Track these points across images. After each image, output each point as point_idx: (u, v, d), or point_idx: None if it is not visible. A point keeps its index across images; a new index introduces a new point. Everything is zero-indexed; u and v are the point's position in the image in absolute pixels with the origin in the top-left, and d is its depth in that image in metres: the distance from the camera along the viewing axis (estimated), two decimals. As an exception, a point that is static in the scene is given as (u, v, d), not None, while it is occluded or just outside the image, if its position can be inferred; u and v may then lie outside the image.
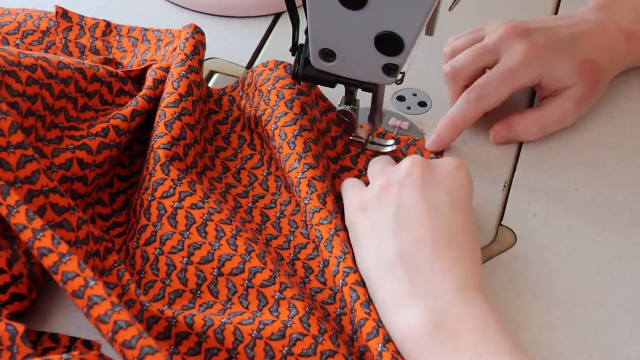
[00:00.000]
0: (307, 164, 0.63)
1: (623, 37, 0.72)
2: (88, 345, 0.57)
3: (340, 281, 0.58)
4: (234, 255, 0.60)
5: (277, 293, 0.59)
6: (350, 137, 0.69)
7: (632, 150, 0.71)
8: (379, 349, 0.54)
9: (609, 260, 0.64)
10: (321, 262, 0.62)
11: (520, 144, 0.71)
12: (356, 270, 0.58)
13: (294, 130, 0.65)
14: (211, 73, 0.77)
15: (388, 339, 0.55)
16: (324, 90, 0.66)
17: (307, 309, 0.58)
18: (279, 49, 0.78)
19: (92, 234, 0.60)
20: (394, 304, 0.55)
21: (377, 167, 0.63)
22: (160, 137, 0.64)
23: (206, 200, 0.62)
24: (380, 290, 0.56)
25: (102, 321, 0.52)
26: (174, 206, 0.61)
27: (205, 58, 0.77)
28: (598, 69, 0.70)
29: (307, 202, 0.62)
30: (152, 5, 0.82)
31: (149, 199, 0.61)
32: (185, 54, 0.68)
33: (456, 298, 0.54)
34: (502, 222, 0.66)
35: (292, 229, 0.64)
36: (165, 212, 0.61)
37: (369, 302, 0.56)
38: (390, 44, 0.59)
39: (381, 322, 0.55)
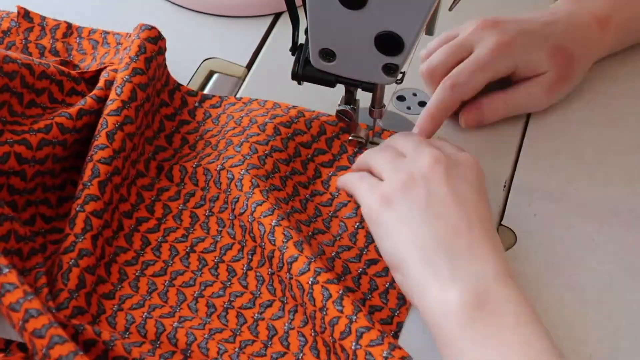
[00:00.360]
0: (273, 184, 0.64)
1: (596, 24, 0.72)
2: (23, 348, 0.56)
3: (311, 279, 0.57)
4: (157, 261, 0.62)
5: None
6: (350, 137, 0.69)
7: (632, 150, 0.71)
8: (352, 347, 0.54)
9: (609, 260, 0.64)
10: (245, 265, 0.62)
11: (521, 144, 0.71)
12: (328, 270, 0.58)
13: (265, 150, 0.65)
14: (211, 73, 0.77)
15: (361, 335, 0.54)
16: (324, 90, 0.66)
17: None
18: (279, 49, 0.78)
19: (15, 231, 0.59)
20: (430, 285, 0.56)
21: (385, 158, 0.63)
22: (101, 148, 0.63)
23: (137, 209, 0.65)
24: (414, 274, 0.57)
25: (13, 309, 0.51)
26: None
27: (205, 58, 0.77)
28: (570, 56, 0.70)
29: (276, 207, 0.62)
30: (152, 5, 0.82)
31: (78, 209, 0.61)
32: (130, 57, 0.67)
33: (498, 281, 0.55)
34: (502, 222, 0.66)
35: (219, 228, 0.64)
36: (91, 229, 0.61)
37: (342, 298, 0.56)
38: (390, 43, 0.59)
39: (355, 317, 0.55)
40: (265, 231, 0.60)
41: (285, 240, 0.59)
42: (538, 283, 0.62)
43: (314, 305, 0.57)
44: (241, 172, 0.64)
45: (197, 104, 0.71)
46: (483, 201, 0.60)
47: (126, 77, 0.66)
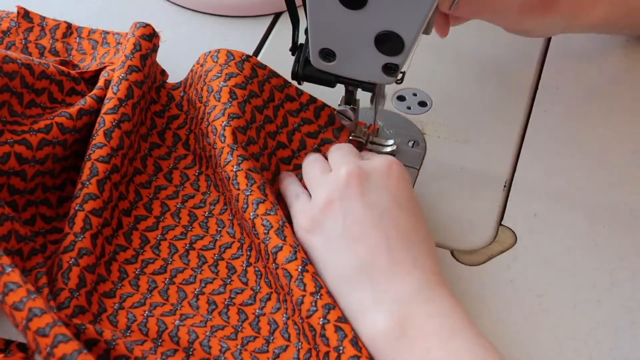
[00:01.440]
0: (240, 155, 0.63)
1: None
2: (23, 348, 0.56)
3: (300, 267, 0.57)
4: (157, 259, 0.62)
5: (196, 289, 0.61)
6: (350, 137, 0.69)
7: (632, 150, 0.71)
8: (320, 322, 0.55)
9: (609, 260, 0.64)
10: (244, 262, 0.62)
11: (521, 144, 0.71)
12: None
13: (222, 122, 0.64)
14: (211, 73, 0.76)
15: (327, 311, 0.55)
16: (324, 90, 0.66)
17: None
18: (279, 48, 0.78)
19: (16, 232, 0.59)
20: (360, 313, 0.56)
21: (313, 175, 0.63)
22: (99, 147, 0.63)
23: (135, 207, 0.65)
24: (344, 302, 0.57)
25: (16, 308, 0.51)
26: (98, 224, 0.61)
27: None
28: None
29: (248, 194, 0.61)
30: (152, 5, 0.82)
31: (77, 208, 0.61)
32: (125, 55, 0.67)
33: (419, 299, 0.55)
34: (502, 222, 0.66)
35: (219, 229, 0.64)
36: (91, 228, 0.61)
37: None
38: (390, 43, 0.59)
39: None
40: (249, 226, 0.61)
41: (266, 232, 0.59)
42: (538, 283, 0.62)
43: (304, 290, 0.57)
44: (221, 172, 0.64)
45: (182, 94, 0.71)
46: (404, 206, 0.59)
47: (122, 75, 0.66)
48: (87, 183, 0.61)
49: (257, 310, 0.60)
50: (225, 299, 0.60)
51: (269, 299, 0.60)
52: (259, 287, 0.61)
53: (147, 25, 0.69)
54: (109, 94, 0.65)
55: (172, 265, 0.62)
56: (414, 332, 0.54)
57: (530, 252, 0.64)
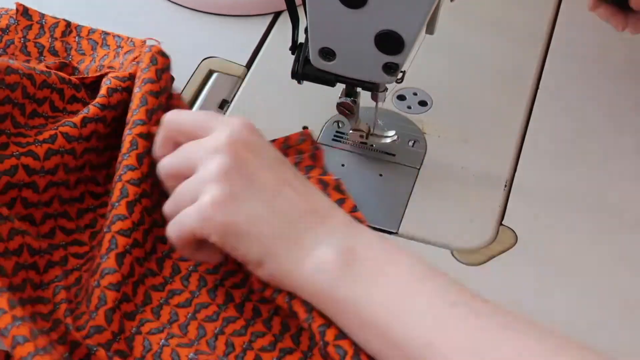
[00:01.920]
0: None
1: None
2: None
3: (286, 299, 0.56)
4: (184, 291, 0.61)
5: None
6: (351, 131, 0.69)
7: (632, 150, 0.71)
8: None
9: (609, 260, 0.64)
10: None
11: (521, 144, 0.71)
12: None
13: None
14: (210, 72, 0.76)
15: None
16: (324, 89, 0.66)
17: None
18: (279, 48, 0.78)
19: (28, 245, 0.58)
20: (296, 263, 0.55)
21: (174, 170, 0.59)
22: (131, 169, 0.61)
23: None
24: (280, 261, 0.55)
25: (2, 335, 0.51)
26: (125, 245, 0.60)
27: (204, 57, 0.77)
28: None
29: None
30: (152, 4, 0.82)
31: (105, 230, 0.60)
32: (149, 77, 0.65)
33: (352, 232, 0.56)
34: (502, 222, 0.66)
35: None
36: (116, 247, 0.59)
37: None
38: (390, 42, 0.59)
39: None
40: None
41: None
42: (538, 283, 0.62)
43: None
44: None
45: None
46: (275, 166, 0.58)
47: (149, 94, 0.64)
48: (117, 205, 0.60)
49: (275, 359, 0.58)
50: (244, 342, 0.58)
51: (289, 352, 0.58)
52: (281, 337, 0.58)
53: (157, 44, 0.68)
54: (141, 114, 0.63)
55: (198, 299, 0.60)
56: (359, 259, 0.54)
57: (530, 252, 0.64)
